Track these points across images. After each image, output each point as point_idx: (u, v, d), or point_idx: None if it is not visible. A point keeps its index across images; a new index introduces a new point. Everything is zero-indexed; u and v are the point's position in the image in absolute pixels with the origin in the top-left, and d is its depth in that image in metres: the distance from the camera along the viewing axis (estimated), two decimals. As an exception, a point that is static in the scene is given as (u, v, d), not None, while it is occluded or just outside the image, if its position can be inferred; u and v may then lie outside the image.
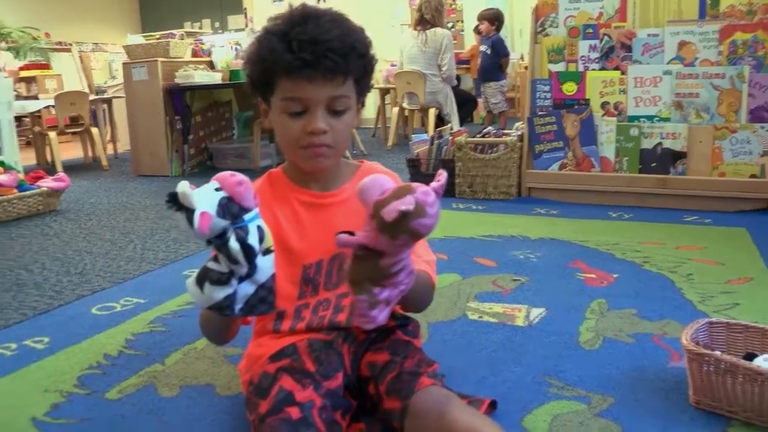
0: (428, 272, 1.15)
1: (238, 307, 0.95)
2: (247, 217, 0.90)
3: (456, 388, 1.27)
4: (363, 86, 1.16)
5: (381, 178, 0.89)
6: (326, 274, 1.20)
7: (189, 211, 0.86)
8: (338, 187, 1.22)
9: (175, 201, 0.87)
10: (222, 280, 0.92)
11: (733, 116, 2.93)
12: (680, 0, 3.05)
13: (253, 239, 0.90)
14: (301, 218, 1.20)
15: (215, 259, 0.93)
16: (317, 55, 1.04)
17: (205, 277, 0.93)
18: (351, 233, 0.88)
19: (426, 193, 0.84)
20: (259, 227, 0.92)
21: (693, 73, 2.98)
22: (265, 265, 0.95)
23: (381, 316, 0.89)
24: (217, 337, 1.20)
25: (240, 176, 0.91)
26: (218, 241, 0.89)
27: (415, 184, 0.87)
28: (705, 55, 2.98)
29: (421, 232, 0.84)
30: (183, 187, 0.86)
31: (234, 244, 0.88)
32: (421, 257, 1.15)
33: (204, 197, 0.87)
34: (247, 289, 0.95)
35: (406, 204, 0.81)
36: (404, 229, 0.83)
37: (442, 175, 0.88)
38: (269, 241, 0.95)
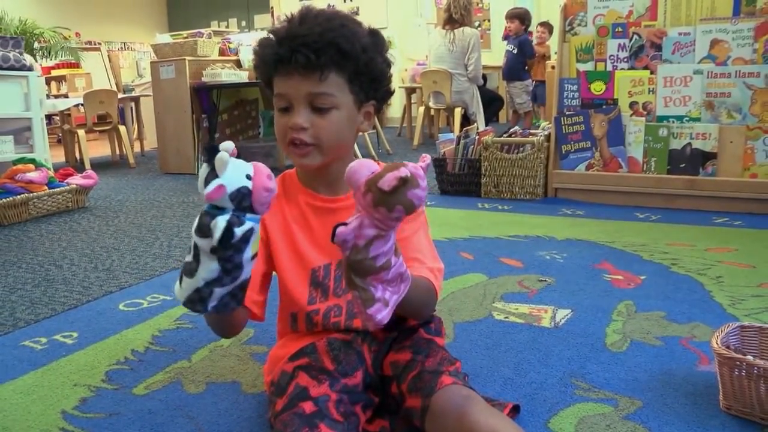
0: (429, 279, 1.12)
1: (211, 305, 0.94)
2: (249, 216, 0.91)
3: (481, 389, 1.27)
4: (363, 87, 1.12)
5: (368, 161, 0.88)
6: (335, 279, 1.19)
7: (212, 173, 0.88)
8: (347, 191, 1.19)
9: (211, 155, 0.88)
10: (192, 269, 0.92)
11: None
12: (713, -3, 3.00)
13: (240, 232, 0.89)
14: (309, 221, 1.20)
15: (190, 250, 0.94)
16: (291, 49, 1.04)
17: (182, 272, 0.94)
18: (345, 224, 0.87)
19: (416, 167, 0.85)
20: (252, 229, 0.91)
21: (725, 72, 2.93)
22: (248, 268, 0.95)
23: (380, 315, 0.88)
24: (220, 330, 1.17)
25: (273, 185, 0.92)
26: (212, 210, 0.89)
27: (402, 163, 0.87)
28: (738, 53, 2.93)
29: (415, 203, 0.84)
30: (225, 154, 0.88)
31: (221, 222, 0.87)
32: (425, 264, 1.14)
33: (233, 174, 0.88)
34: (223, 290, 0.94)
35: (403, 172, 0.82)
36: (401, 200, 0.83)
37: (427, 156, 0.89)
38: (255, 247, 0.96)
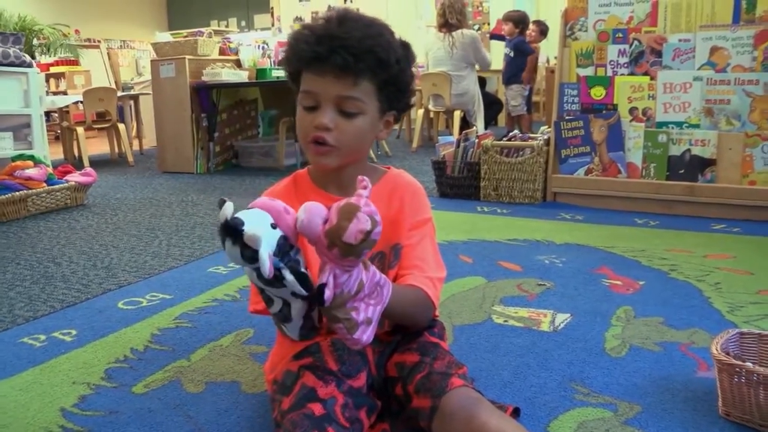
0: (423, 287, 1.13)
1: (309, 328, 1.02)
2: (292, 252, 0.94)
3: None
4: (390, 97, 1.13)
5: (313, 206, 0.90)
6: None
7: (247, 248, 0.88)
8: None
9: (229, 232, 0.89)
10: (286, 316, 0.99)
11: (766, 124, 2.88)
12: (714, 4, 3.00)
13: (302, 267, 0.95)
14: None
15: (267, 302, 1.00)
16: (330, 50, 1.05)
17: (278, 322, 1.03)
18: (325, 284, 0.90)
19: (367, 204, 0.88)
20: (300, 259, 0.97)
21: (725, 79, 2.94)
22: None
23: (365, 336, 0.93)
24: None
25: (293, 213, 0.94)
26: (273, 281, 0.92)
27: (351, 200, 0.89)
28: (738, 60, 2.94)
29: (376, 240, 0.89)
30: (252, 228, 0.88)
31: (289, 276, 0.92)
32: (425, 273, 1.15)
33: (265, 238, 0.89)
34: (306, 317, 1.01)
35: (365, 223, 0.86)
36: (367, 245, 0.87)
37: (366, 180, 0.92)
38: None
